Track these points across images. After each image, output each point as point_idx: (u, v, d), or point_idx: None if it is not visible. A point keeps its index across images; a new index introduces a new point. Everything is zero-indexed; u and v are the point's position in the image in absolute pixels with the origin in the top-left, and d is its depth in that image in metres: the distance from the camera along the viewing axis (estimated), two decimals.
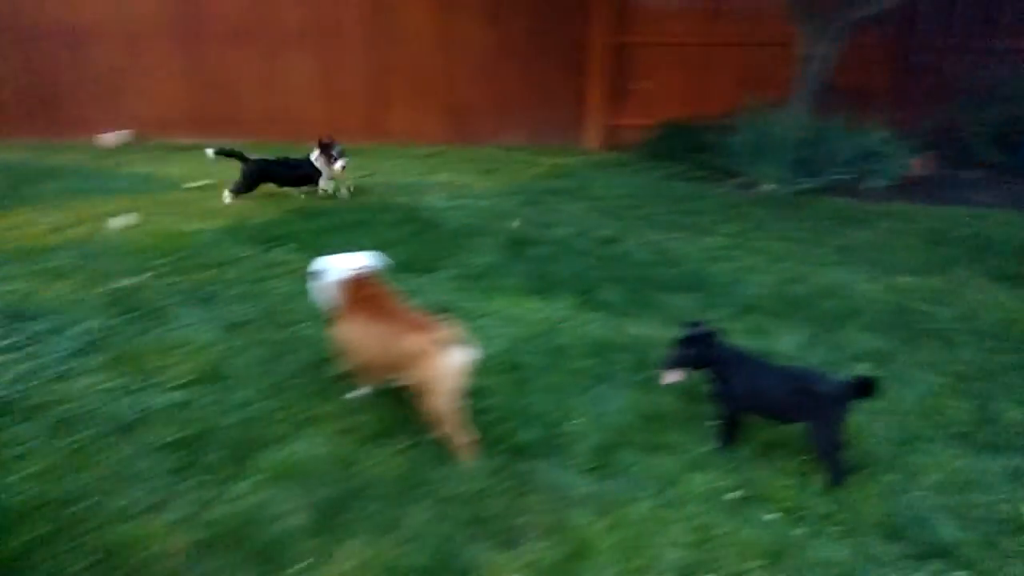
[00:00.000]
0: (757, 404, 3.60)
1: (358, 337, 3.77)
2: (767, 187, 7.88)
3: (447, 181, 8.33)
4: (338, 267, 3.98)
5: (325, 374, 4.15)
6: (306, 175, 7.56)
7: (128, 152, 9.92)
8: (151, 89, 10.26)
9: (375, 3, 9.73)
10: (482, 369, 4.26)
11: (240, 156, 7.45)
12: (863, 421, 3.84)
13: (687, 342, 3.69)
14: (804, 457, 3.53)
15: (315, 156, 7.52)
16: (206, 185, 8.09)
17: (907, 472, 3.49)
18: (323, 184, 7.65)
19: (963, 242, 6.52)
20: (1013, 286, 5.58)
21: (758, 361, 3.68)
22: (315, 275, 4.06)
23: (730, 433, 3.64)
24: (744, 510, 3.25)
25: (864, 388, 3.37)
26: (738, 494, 3.33)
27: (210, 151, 7.48)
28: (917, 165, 8.30)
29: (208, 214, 7.01)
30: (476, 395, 3.99)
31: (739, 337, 4.70)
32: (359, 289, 3.85)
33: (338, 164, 7.52)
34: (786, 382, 3.51)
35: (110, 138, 10.29)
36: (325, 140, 7.59)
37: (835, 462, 3.38)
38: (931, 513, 3.23)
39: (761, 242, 6.48)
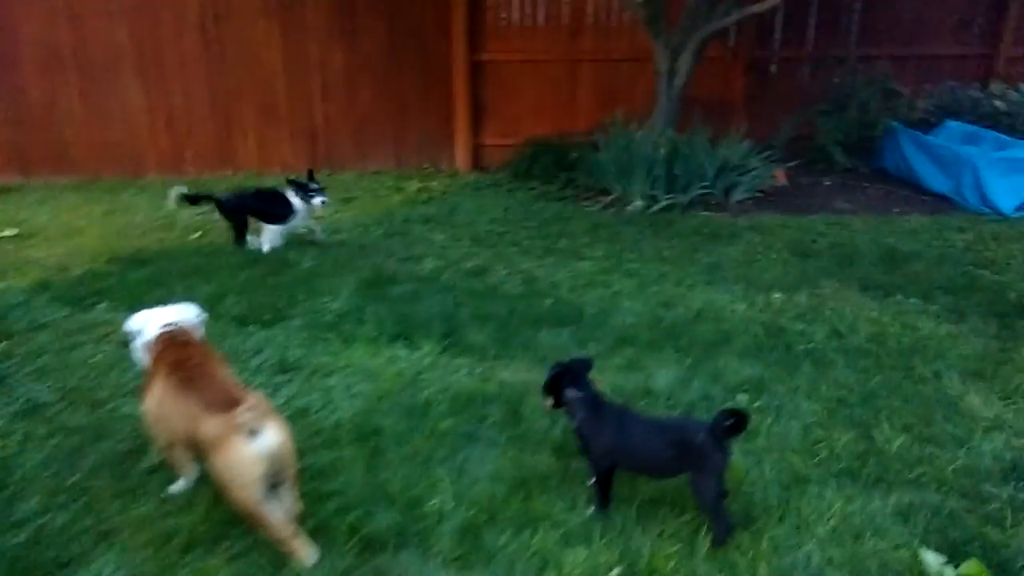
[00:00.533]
0: (630, 460, 3.26)
1: (159, 414, 3.15)
2: (635, 204, 7.72)
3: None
4: (149, 324, 3.35)
5: (140, 465, 3.50)
6: (286, 213, 6.47)
7: None
8: None
9: (214, 22, 8.95)
10: (331, 440, 3.75)
11: (208, 198, 6.49)
12: (746, 463, 3.58)
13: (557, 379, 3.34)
14: (687, 516, 3.22)
15: (290, 193, 6.47)
16: (18, 234, 7.10)
17: (797, 522, 3.23)
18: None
19: (827, 252, 6.53)
20: (880, 296, 5.57)
21: (626, 412, 3.35)
22: (131, 336, 3.41)
23: (604, 494, 3.28)
24: None
25: (736, 425, 3.10)
26: (617, 571, 2.96)
27: (171, 197, 6.47)
28: (779, 175, 8.40)
29: (17, 268, 6.09)
30: (322, 475, 3.47)
31: (614, 374, 4.41)
32: (165, 352, 3.23)
33: (317, 200, 6.47)
34: (659, 435, 3.19)
35: None
36: (296, 177, 6.57)
37: (719, 517, 3.08)
38: (826, 570, 2.97)
39: (633, 264, 6.25)
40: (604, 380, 4.28)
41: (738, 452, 3.65)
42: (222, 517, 3.14)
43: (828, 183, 8.72)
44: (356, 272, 5.98)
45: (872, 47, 9.40)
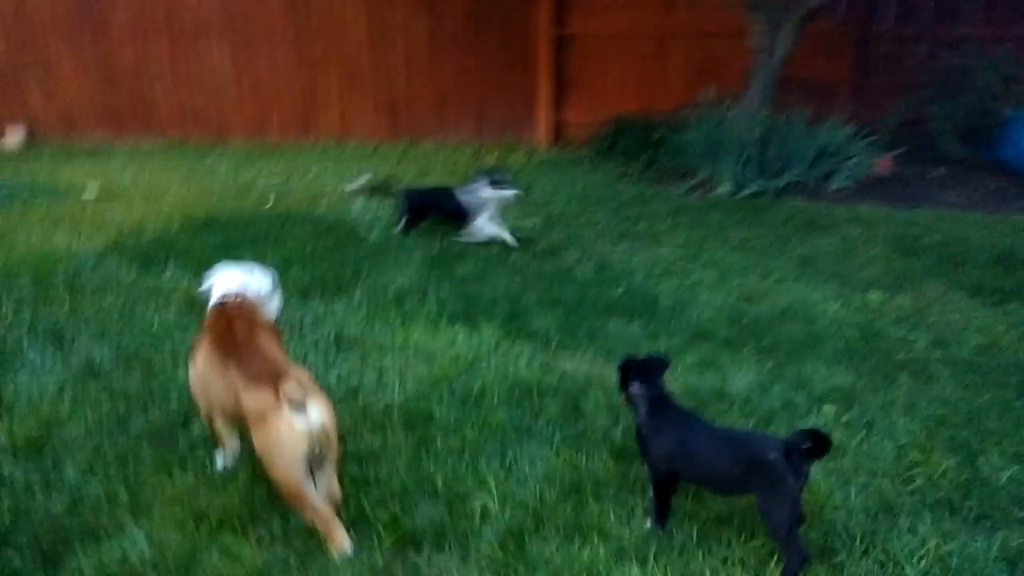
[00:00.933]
0: (691, 470, 2.96)
1: (202, 383, 3.03)
2: (722, 188, 7.26)
3: (377, 184, 7.58)
4: (218, 285, 3.26)
5: (184, 437, 3.41)
6: (461, 214, 5.91)
7: (29, 156, 9.00)
8: (52, 84, 9.32)
9: None
10: (380, 423, 3.58)
11: (386, 188, 6.33)
12: (829, 485, 3.21)
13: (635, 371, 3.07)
14: (758, 541, 2.89)
15: (477, 186, 5.85)
16: (100, 195, 7.24)
17: (883, 558, 2.85)
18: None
19: (935, 250, 5.95)
20: (992, 303, 5.01)
21: (692, 418, 3.04)
22: (205, 295, 3.33)
23: (662, 505, 2.99)
24: None
25: (817, 448, 2.75)
26: None
27: (355, 184, 6.30)
28: (882, 164, 7.75)
29: (95, 228, 6.18)
30: (367, 460, 3.29)
31: (686, 372, 4.08)
32: (219, 319, 3.11)
33: (509, 192, 5.82)
34: (727, 447, 2.87)
35: (9, 141, 9.35)
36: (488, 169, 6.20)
37: (791, 546, 2.75)
38: None
39: (716, 253, 5.85)
40: (675, 379, 3.98)
41: (821, 472, 3.29)
42: (259, 498, 3.02)
43: (938, 174, 8.00)
44: (424, 248, 5.80)
45: (999, 27, 8.51)
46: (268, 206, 6.78)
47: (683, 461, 2.93)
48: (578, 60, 9.25)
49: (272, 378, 2.72)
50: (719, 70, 8.88)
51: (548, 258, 5.74)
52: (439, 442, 3.44)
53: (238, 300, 3.19)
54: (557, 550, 2.85)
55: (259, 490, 3.03)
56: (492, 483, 3.17)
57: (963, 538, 2.95)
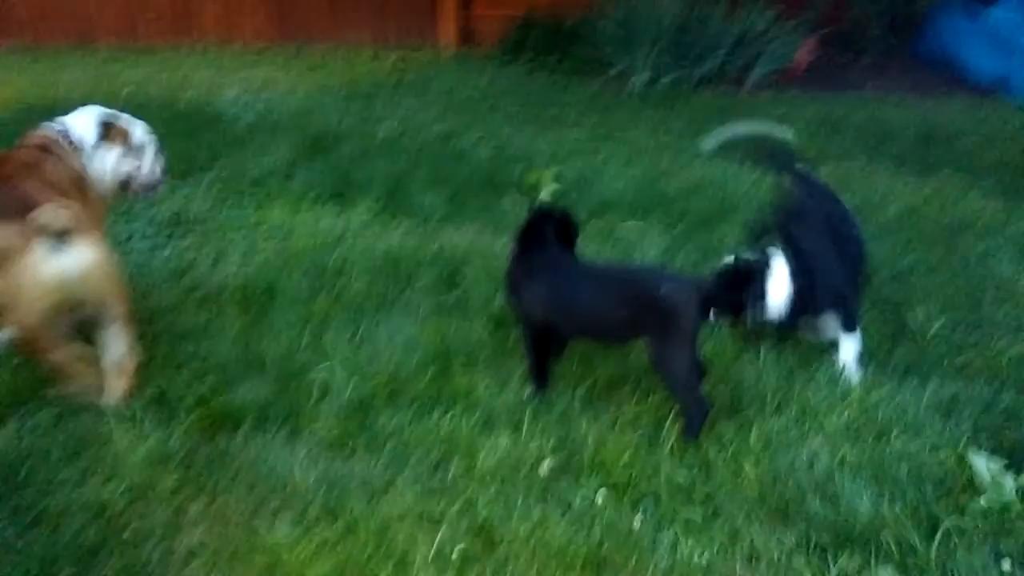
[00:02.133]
0: (568, 321, 2.45)
1: None
2: (639, 79, 6.71)
3: (257, 77, 6.75)
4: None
5: None
6: None
7: None
8: None
9: None
10: (208, 299, 2.95)
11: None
12: (736, 347, 2.75)
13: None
14: (654, 399, 2.41)
15: None
16: None
17: (799, 414, 2.41)
18: None
19: (856, 129, 5.56)
20: (915, 173, 4.65)
21: (568, 260, 2.53)
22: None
23: (537, 367, 2.48)
24: (558, 491, 2.10)
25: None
26: (550, 463, 2.17)
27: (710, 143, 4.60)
28: (805, 51, 7.29)
29: None
30: (184, 337, 2.67)
31: (591, 241, 3.56)
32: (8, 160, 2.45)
33: None
34: (609, 288, 2.37)
35: None
36: None
37: (690, 399, 2.28)
38: (836, 473, 2.16)
39: (627, 135, 5.32)
40: (581, 248, 3.47)
41: (728, 332, 2.83)
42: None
43: (862, 64, 7.61)
44: (300, 131, 5.08)
45: None
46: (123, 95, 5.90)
47: (557, 311, 2.41)
48: None
49: (20, 212, 2.08)
50: None
51: (442, 141, 5.11)
52: (278, 317, 2.84)
53: (41, 139, 2.53)
54: (410, 422, 2.31)
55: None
56: (336, 357, 2.59)
57: (890, 390, 2.53)
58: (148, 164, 2.78)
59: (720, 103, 6.19)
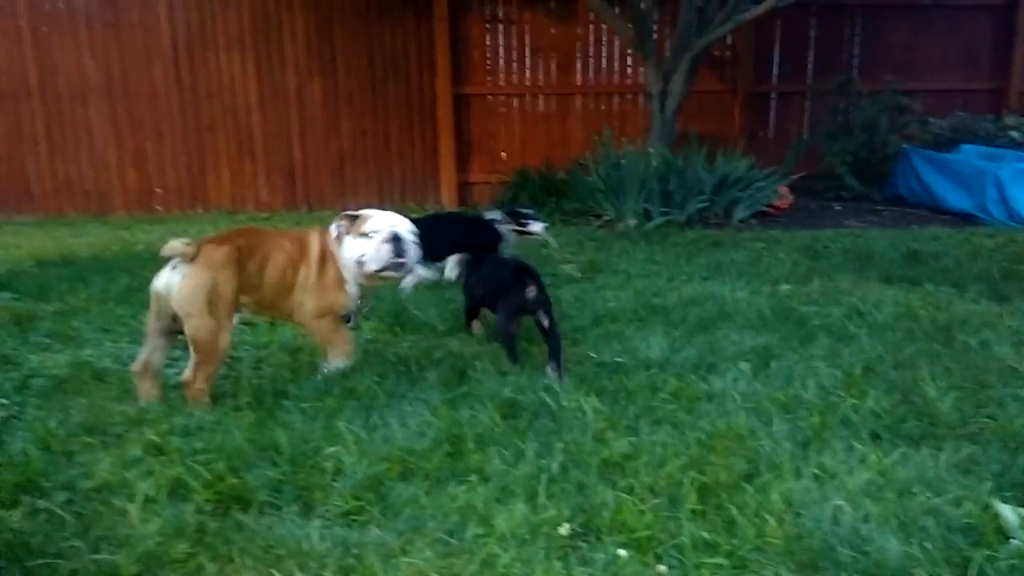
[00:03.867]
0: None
1: None
2: (628, 223, 7.07)
3: None
4: None
5: None
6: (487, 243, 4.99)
7: None
8: None
9: (185, 53, 8.66)
10: (223, 399, 2.97)
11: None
12: (749, 423, 2.76)
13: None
14: (670, 468, 2.39)
15: (495, 216, 5.25)
16: None
17: (818, 476, 2.39)
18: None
19: (843, 254, 5.80)
20: (907, 286, 4.81)
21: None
22: None
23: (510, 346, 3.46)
24: (579, 550, 2.04)
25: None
26: (569, 527, 2.12)
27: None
28: (780, 198, 7.76)
29: None
30: (196, 432, 2.68)
31: (593, 345, 3.67)
32: None
33: (536, 227, 5.30)
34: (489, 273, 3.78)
35: None
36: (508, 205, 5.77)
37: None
38: (862, 528, 2.12)
39: (622, 265, 5.54)
40: (580, 351, 3.56)
41: (739, 411, 2.85)
42: None
43: (838, 208, 8.07)
44: None
45: (876, 82, 8.87)
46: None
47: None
48: (479, 120, 9.21)
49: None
50: (619, 126, 8.98)
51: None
52: (289, 412, 2.85)
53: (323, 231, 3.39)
54: (426, 493, 2.28)
55: None
56: (351, 439, 2.59)
57: (906, 453, 2.52)
58: (372, 248, 3.23)
59: (709, 238, 6.49)
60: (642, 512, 2.17)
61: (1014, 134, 8.60)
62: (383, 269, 3.21)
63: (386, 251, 3.19)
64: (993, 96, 9.63)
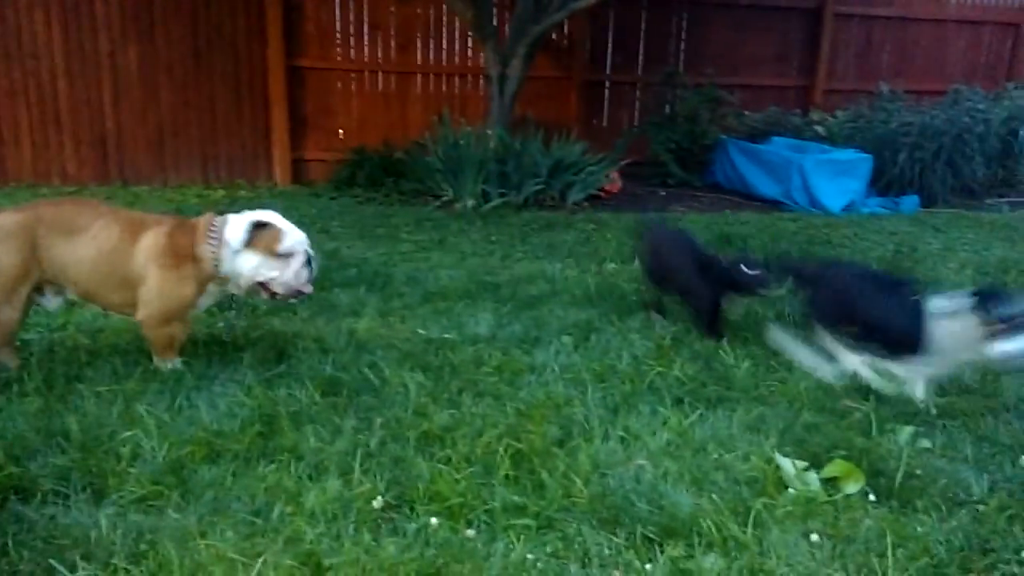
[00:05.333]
0: None
1: None
2: (466, 203, 7.11)
3: None
4: None
5: None
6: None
7: None
8: None
9: None
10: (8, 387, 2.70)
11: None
12: (567, 393, 2.87)
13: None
14: (485, 439, 2.44)
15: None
16: None
17: (624, 439, 2.52)
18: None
19: None
20: None
21: None
22: None
23: None
24: (391, 521, 2.04)
25: None
26: (382, 501, 2.11)
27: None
28: (611, 183, 8.09)
29: None
30: None
31: (425, 318, 3.65)
32: None
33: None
34: None
35: None
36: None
37: None
38: (660, 485, 2.26)
39: (456, 245, 5.56)
40: (409, 328, 3.53)
41: (558, 382, 2.96)
42: None
43: (663, 193, 8.53)
44: None
45: (699, 76, 9.44)
46: None
47: None
48: (316, 96, 8.89)
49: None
50: (459, 106, 8.97)
51: None
52: (83, 396, 2.64)
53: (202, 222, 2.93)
54: (234, 475, 2.19)
55: None
56: (151, 423, 2.43)
57: (704, 415, 2.72)
58: (291, 272, 2.85)
59: (543, 219, 6.66)
60: (456, 481, 2.20)
61: (819, 128, 9.43)
62: (289, 296, 2.88)
63: (304, 276, 2.85)
64: (802, 93, 10.52)
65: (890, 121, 8.40)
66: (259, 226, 2.82)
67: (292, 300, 2.97)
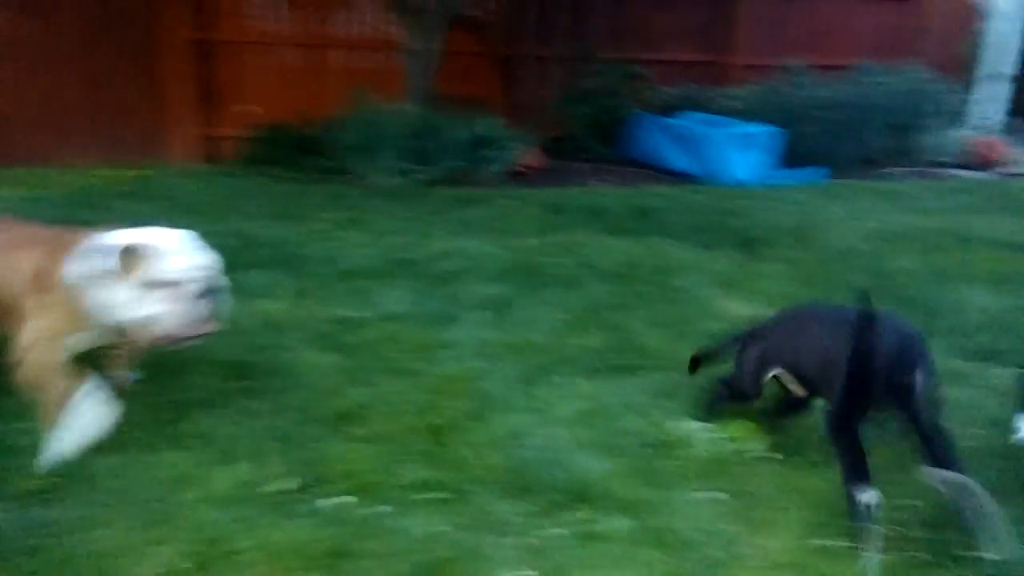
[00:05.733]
0: None
1: None
2: (382, 180, 7.02)
3: None
4: None
5: None
6: None
7: None
8: None
9: None
10: None
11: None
12: (481, 365, 2.90)
13: None
14: (403, 416, 2.45)
15: None
16: None
17: (539, 409, 2.58)
18: None
19: (582, 210, 6.23)
20: (633, 237, 5.27)
21: None
22: None
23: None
24: (292, 503, 2.03)
25: None
26: (295, 483, 2.10)
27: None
28: (531, 158, 8.12)
29: None
30: None
31: (341, 297, 3.62)
32: None
33: None
34: None
35: None
36: None
37: None
38: (575, 452, 2.32)
39: (372, 223, 5.50)
40: (323, 308, 3.49)
41: (472, 355, 2.99)
42: None
43: (582, 168, 8.61)
44: None
45: (617, 51, 9.52)
46: None
47: None
48: (227, 70, 8.57)
49: None
50: (378, 82, 8.81)
51: None
52: None
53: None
54: (139, 463, 2.13)
55: None
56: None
57: (618, 384, 2.80)
58: (178, 308, 2.13)
59: (462, 195, 6.64)
60: (370, 459, 2.20)
61: (732, 102, 9.68)
62: (184, 338, 2.16)
63: (199, 313, 2.13)
64: (718, 69, 10.75)
65: (800, 95, 8.69)
66: (133, 249, 2.12)
67: (187, 343, 2.19)
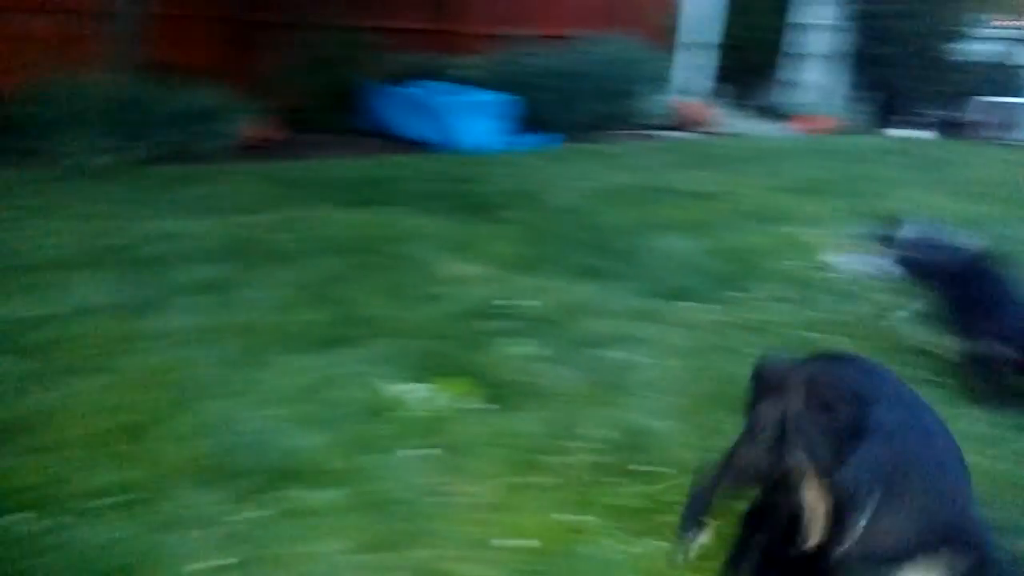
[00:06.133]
0: None
1: None
2: (83, 160, 6.27)
3: None
4: None
5: None
6: None
7: None
8: None
9: None
10: None
11: None
12: (183, 353, 2.73)
13: None
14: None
15: None
16: None
17: (258, 390, 2.48)
18: None
19: (312, 183, 6.05)
20: (359, 209, 5.21)
21: None
22: None
23: None
24: None
25: None
26: None
27: None
28: (267, 130, 7.72)
29: None
30: None
31: (25, 292, 3.20)
32: None
33: None
34: None
35: None
36: None
37: None
38: (279, 431, 2.26)
39: (69, 208, 4.90)
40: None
41: (183, 344, 2.79)
42: None
43: (320, 139, 8.36)
44: None
45: (351, 18, 9.25)
46: None
47: None
48: None
49: None
50: (75, 49, 7.80)
51: None
52: None
53: None
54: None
55: None
56: None
57: (339, 357, 2.77)
58: None
59: (178, 172, 6.14)
60: (51, 468, 1.98)
61: (470, 72, 9.89)
62: None
63: None
64: (451, 37, 10.87)
65: (532, 64, 9.13)
66: None
67: None
